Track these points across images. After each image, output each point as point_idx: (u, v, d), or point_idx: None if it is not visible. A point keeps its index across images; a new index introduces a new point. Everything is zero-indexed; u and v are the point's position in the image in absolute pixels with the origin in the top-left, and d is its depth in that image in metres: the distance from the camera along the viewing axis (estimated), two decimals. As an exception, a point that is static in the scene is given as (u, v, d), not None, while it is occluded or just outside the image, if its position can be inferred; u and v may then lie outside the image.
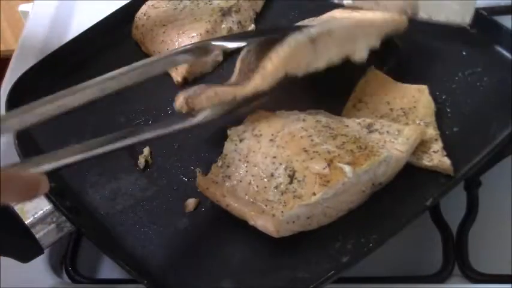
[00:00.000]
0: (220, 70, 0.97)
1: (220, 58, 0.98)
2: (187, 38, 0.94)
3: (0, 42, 1.81)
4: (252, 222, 0.74)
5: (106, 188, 0.87)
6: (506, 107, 0.80)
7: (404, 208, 0.75)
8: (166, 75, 0.97)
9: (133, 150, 0.90)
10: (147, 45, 1.00)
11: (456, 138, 0.80)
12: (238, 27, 0.99)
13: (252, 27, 1.01)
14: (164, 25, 0.97)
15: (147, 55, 1.01)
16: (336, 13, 0.93)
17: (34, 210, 0.82)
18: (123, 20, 1.05)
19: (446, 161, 0.76)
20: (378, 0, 0.88)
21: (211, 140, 0.88)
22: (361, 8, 0.91)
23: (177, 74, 0.95)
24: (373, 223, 0.75)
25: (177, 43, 0.95)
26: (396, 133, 0.77)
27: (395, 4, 0.88)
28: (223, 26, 0.97)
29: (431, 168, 0.77)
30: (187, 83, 0.96)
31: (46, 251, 0.83)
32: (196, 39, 0.94)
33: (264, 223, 0.73)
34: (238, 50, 0.98)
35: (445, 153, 0.77)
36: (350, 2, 0.93)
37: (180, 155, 0.88)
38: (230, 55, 0.98)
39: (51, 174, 0.88)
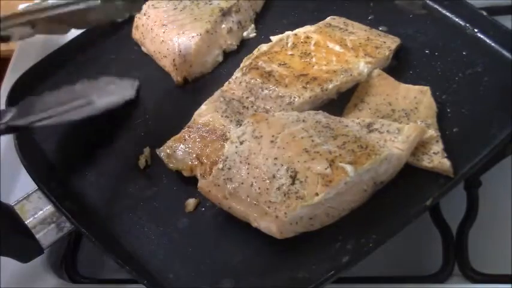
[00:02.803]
0: (220, 70, 0.97)
1: (220, 58, 0.98)
2: (188, 38, 0.94)
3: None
4: (255, 224, 0.74)
5: (106, 188, 0.87)
6: (506, 107, 0.80)
7: (404, 208, 0.75)
8: (166, 75, 0.97)
9: (133, 150, 0.90)
10: (147, 45, 1.00)
11: (456, 138, 0.80)
12: (238, 27, 0.99)
13: (252, 27, 1.01)
14: (164, 25, 0.97)
15: (147, 55, 1.01)
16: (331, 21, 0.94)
17: (34, 210, 0.82)
18: (123, 20, 1.05)
19: (446, 163, 0.76)
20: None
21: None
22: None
23: (177, 74, 0.95)
24: (373, 223, 0.75)
25: (177, 43, 0.95)
26: (396, 132, 0.77)
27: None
28: (223, 26, 0.97)
29: (431, 170, 0.77)
30: (187, 82, 0.96)
31: (46, 251, 0.84)
32: (196, 39, 0.94)
33: (267, 225, 0.73)
34: (237, 51, 0.98)
35: (445, 154, 0.77)
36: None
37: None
38: (230, 55, 0.98)
39: (52, 174, 0.89)
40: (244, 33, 1.00)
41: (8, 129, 0.83)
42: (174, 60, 0.95)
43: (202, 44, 0.94)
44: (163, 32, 0.97)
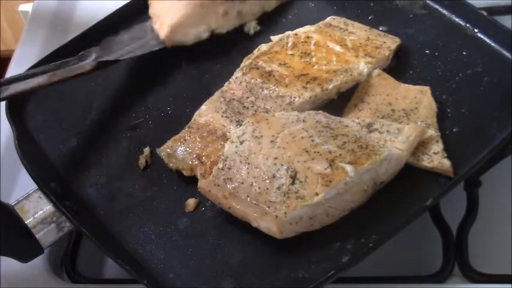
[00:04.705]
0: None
1: (205, 36, 0.98)
2: (182, 5, 0.95)
3: (0, 42, 1.81)
4: (255, 224, 0.74)
5: (106, 188, 0.87)
6: (506, 107, 0.80)
7: (404, 208, 0.75)
8: (167, 76, 0.97)
9: (133, 150, 0.90)
10: (152, 9, 1.00)
11: (456, 139, 0.80)
12: (236, 15, 0.99)
13: (253, 24, 1.01)
14: None
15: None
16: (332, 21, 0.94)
17: (34, 210, 0.82)
18: (122, 20, 1.05)
19: (446, 163, 0.76)
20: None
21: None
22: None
23: (161, 34, 0.97)
24: (373, 223, 0.75)
25: (171, 8, 0.96)
26: (396, 132, 0.77)
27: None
28: (221, 6, 0.97)
29: (431, 170, 0.77)
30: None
31: (46, 251, 0.84)
32: (188, 8, 0.95)
33: (267, 225, 0.73)
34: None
35: (445, 154, 0.77)
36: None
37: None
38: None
39: (52, 174, 0.89)
40: (245, 28, 1.00)
41: (99, 65, 0.92)
42: (161, 20, 0.96)
43: (192, 14, 0.95)
44: None
